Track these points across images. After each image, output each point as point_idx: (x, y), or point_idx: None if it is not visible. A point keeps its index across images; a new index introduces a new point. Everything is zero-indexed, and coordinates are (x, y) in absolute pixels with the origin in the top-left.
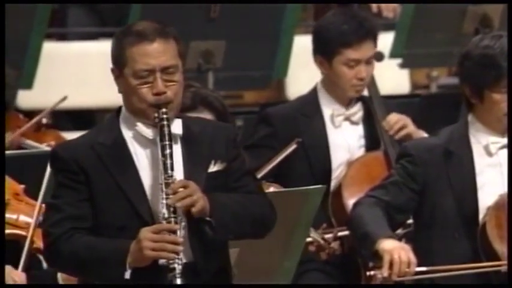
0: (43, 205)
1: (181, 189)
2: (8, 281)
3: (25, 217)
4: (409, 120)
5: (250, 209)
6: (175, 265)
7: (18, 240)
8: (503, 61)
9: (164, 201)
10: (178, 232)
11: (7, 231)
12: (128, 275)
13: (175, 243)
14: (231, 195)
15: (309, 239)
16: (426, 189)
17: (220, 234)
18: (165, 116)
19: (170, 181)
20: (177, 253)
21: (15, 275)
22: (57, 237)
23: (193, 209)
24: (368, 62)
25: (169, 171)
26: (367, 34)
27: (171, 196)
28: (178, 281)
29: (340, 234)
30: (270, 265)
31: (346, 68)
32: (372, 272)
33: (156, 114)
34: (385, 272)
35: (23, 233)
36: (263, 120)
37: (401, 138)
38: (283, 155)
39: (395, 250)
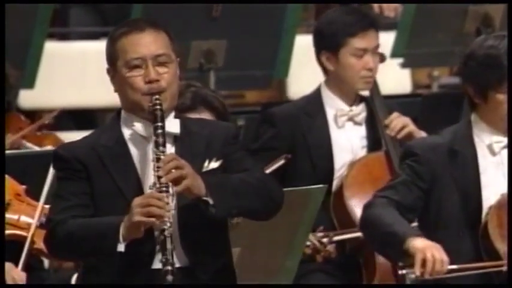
0: (45, 206)
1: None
2: (8, 278)
3: (26, 218)
4: (409, 120)
5: (252, 182)
6: (165, 226)
7: (19, 241)
8: (507, 62)
9: (155, 174)
10: (167, 199)
11: (8, 231)
12: (121, 247)
13: (162, 208)
14: (231, 174)
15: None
16: (432, 187)
17: (221, 211)
18: (157, 101)
19: (162, 156)
20: (164, 212)
21: (15, 273)
22: (57, 223)
23: (179, 186)
24: (374, 52)
25: (161, 148)
26: (370, 24)
27: (161, 168)
28: (169, 244)
29: (336, 238)
30: (271, 265)
31: (354, 59)
32: (404, 271)
33: (150, 104)
34: (417, 271)
35: (24, 233)
36: (267, 121)
37: (403, 137)
38: (270, 169)
39: (428, 249)
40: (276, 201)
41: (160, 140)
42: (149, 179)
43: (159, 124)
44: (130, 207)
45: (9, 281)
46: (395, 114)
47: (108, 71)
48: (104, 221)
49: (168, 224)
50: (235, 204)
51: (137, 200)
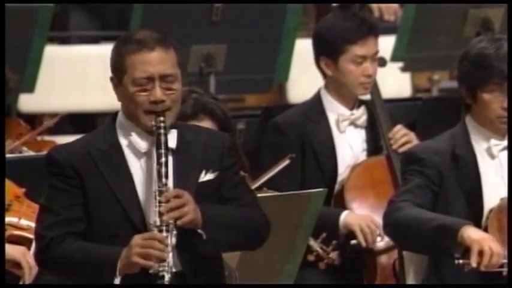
0: None
1: (174, 199)
2: (23, 262)
3: (26, 220)
4: (413, 136)
5: (243, 222)
6: (164, 273)
7: (21, 243)
8: (496, 62)
9: (156, 209)
10: (168, 240)
11: (12, 232)
12: (117, 281)
13: (163, 251)
14: (225, 207)
15: (307, 248)
16: (440, 191)
17: (212, 245)
18: (162, 124)
19: (164, 189)
20: (163, 260)
21: (30, 257)
22: (50, 240)
23: (180, 221)
24: (373, 58)
25: (164, 180)
26: (370, 30)
27: (163, 204)
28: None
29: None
30: (271, 268)
31: (353, 66)
32: (461, 261)
33: (153, 123)
34: (474, 263)
35: (28, 235)
36: (274, 131)
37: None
38: (276, 170)
39: (485, 240)
40: (263, 237)
41: (163, 170)
42: (144, 186)
43: (163, 151)
44: (130, 245)
45: (24, 264)
46: (399, 127)
47: (112, 80)
48: (102, 251)
49: (168, 270)
50: (225, 242)
51: (138, 240)
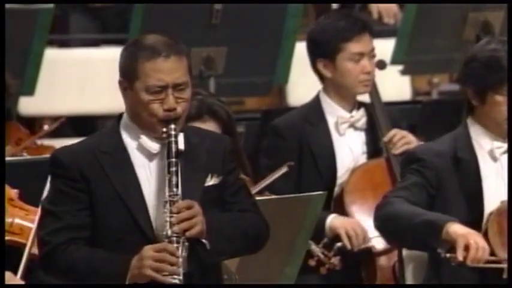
0: None
1: (184, 210)
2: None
3: (20, 221)
4: (411, 137)
5: (245, 230)
6: (176, 281)
7: (16, 246)
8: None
9: (168, 219)
10: (179, 252)
11: (5, 237)
12: None
13: (175, 264)
14: (227, 215)
15: (309, 253)
16: (438, 194)
17: (214, 256)
18: (173, 132)
19: (175, 199)
20: (176, 269)
21: (15, 282)
22: (55, 247)
23: (188, 233)
24: (370, 55)
25: (174, 189)
26: (364, 27)
27: (174, 215)
28: None
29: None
30: (271, 271)
31: (351, 64)
32: (448, 255)
33: (165, 129)
34: (460, 256)
35: (20, 239)
36: (273, 134)
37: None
38: (273, 178)
39: (471, 235)
40: (264, 243)
41: (174, 179)
42: (151, 190)
43: (174, 160)
44: (141, 256)
45: None
46: (394, 131)
47: (121, 83)
48: (110, 261)
49: (177, 281)
50: (228, 252)
51: (149, 252)
